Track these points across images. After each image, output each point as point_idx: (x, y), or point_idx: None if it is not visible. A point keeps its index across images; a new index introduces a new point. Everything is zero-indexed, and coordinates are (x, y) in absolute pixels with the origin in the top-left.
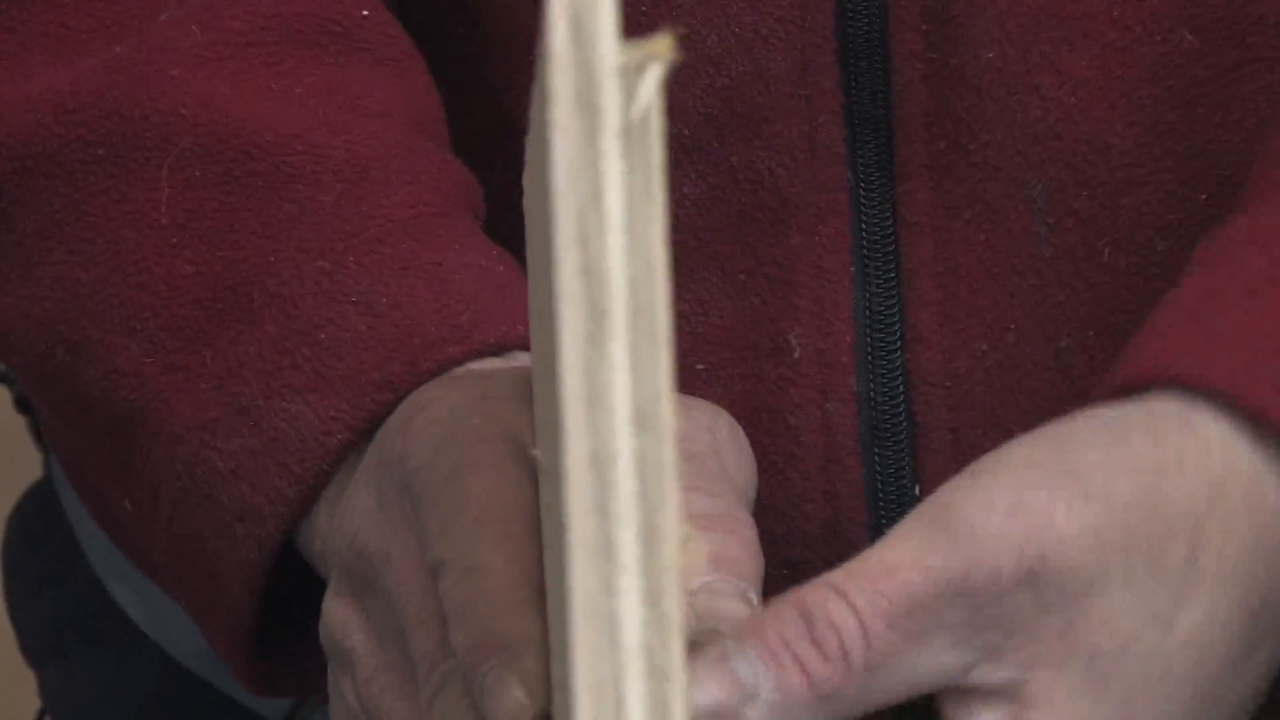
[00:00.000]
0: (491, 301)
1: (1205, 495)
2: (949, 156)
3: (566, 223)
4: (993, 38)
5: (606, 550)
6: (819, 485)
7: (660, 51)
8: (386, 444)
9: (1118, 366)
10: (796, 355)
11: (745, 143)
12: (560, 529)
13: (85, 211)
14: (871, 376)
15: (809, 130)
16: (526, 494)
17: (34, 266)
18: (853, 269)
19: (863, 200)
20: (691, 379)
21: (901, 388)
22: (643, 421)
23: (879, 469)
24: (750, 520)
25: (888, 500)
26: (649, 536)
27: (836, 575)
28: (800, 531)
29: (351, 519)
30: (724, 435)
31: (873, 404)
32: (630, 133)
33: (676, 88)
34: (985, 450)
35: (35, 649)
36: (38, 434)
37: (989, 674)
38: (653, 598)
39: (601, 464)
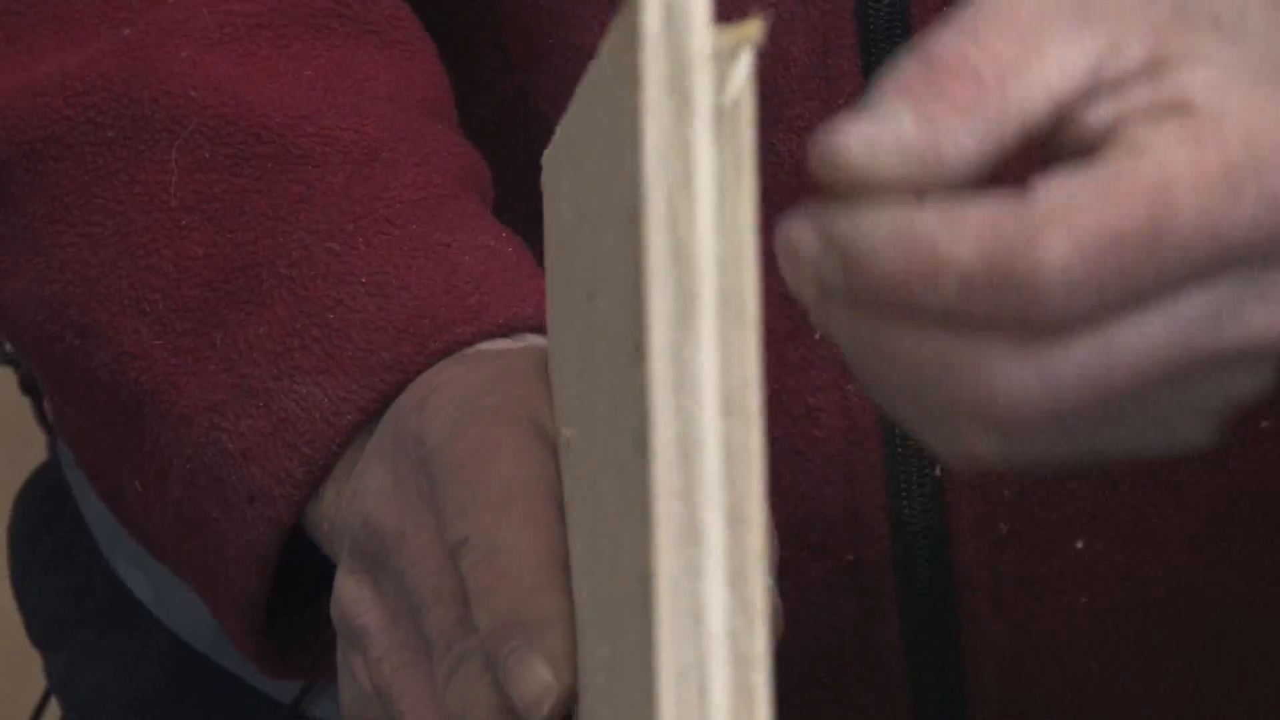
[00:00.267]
0: (501, 282)
1: None
2: None
3: (656, 205)
4: None
5: (692, 535)
6: (839, 469)
7: (751, 36)
8: (401, 423)
9: None
10: (817, 336)
11: (765, 125)
12: (646, 513)
13: (94, 194)
14: None
15: (829, 112)
16: (549, 473)
17: (43, 249)
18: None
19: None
20: None
21: None
22: (730, 406)
23: (899, 451)
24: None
25: (908, 483)
26: (735, 521)
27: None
28: (819, 515)
29: (365, 497)
30: None
31: None
32: (721, 117)
33: None
34: None
35: (42, 632)
36: (42, 416)
37: (1119, 63)
38: (738, 583)
39: (688, 448)
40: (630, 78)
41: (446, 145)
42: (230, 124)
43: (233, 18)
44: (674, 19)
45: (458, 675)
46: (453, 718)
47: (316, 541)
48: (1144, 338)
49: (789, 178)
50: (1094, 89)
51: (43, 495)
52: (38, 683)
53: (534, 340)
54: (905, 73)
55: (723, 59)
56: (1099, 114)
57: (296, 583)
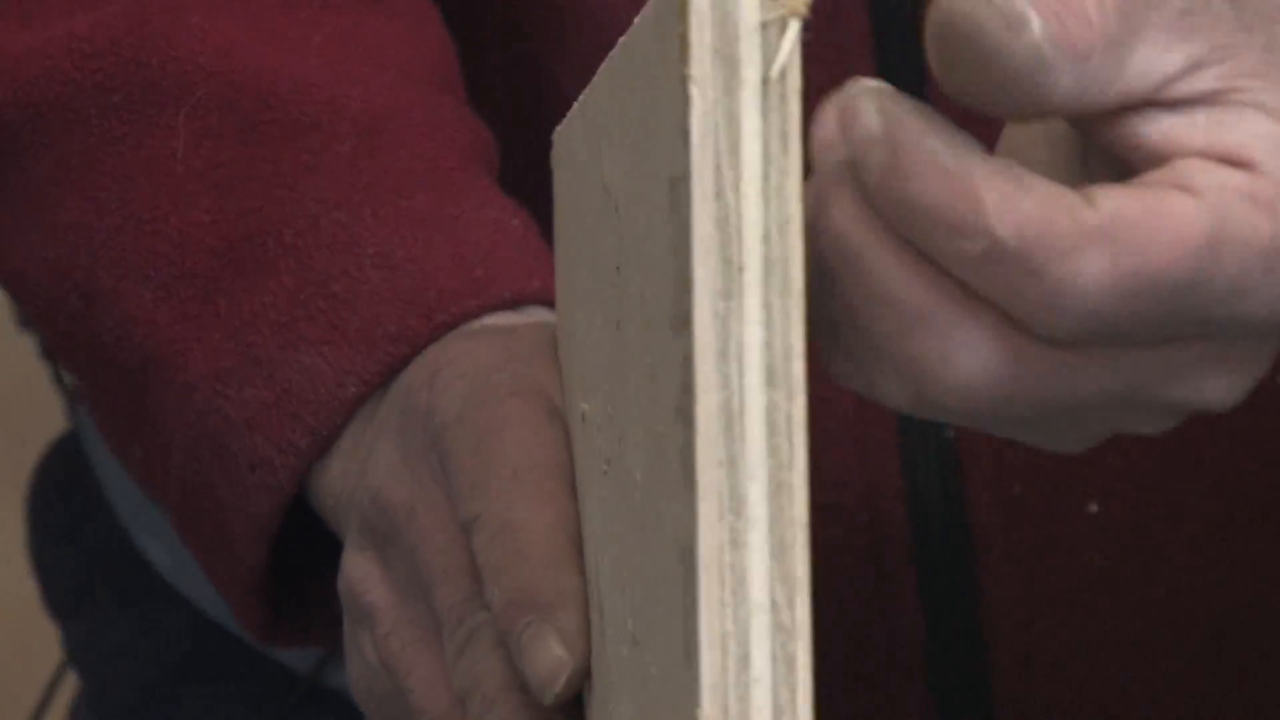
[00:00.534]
0: (508, 256)
1: None
2: None
3: (703, 175)
4: None
5: (735, 504)
6: (852, 430)
7: (798, 8)
8: (411, 399)
9: None
10: None
11: None
12: (688, 483)
13: (101, 158)
14: None
15: (839, 77)
16: (561, 449)
17: (48, 211)
18: None
19: None
20: None
21: None
22: (774, 376)
23: None
24: None
25: (923, 444)
26: (778, 492)
27: None
28: (833, 476)
29: (374, 474)
30: None
31: None
32: (768, 87)
33: None
34: None
35: (59, 601)
36: (60, 381)
37: (1192, 83)
38: (780, 553)
39: (732, 417)
40: (677, 47)
41: (455, 117)
42: (238, 91)
43: None
44: None
45: (468, 651)
46: (462, 693)
47: (321, 515)
48: (1114, 375)
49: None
50: (1159, 98)
51: (62, 465)
52: (53, 653)
53: (540, 314)
54: None
55: (770, 30)
56: (1158, 129)
57: (299, 554)
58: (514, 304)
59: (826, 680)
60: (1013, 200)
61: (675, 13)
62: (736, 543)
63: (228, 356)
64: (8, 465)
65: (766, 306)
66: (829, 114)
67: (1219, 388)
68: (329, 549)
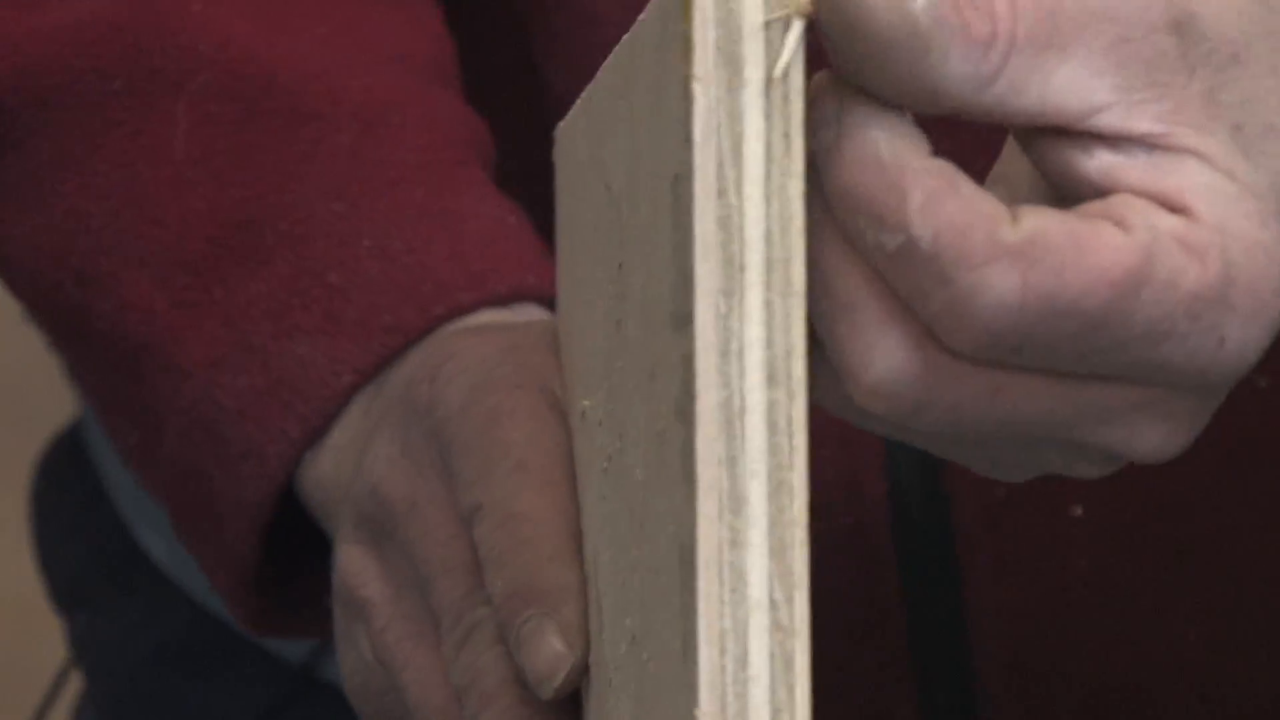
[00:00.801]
0: (505, 250)
1: None
2: None
3: (705, 174)
4: None
5: (735, 503)
6: (836, 431)
7: (803, 7)
8: (412, 392)
9: None
10: None
11: None
12: (688, 480)
13: (100, 144)
14: None
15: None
16: (563, 442)
17: (46, 196)
18: None
19: None
20: None
21: None
22: (775, 375)
23: None
24: None
25: (906, 445)
26: (778, 491)
27: None
28: (817, 478)
29: (373, 468)
30: None
31: None
32: (771, 87)
33: None
34: None
35: (63, 594)
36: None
37: (1126, 120)
38: (780, 552)
39: (732, 416)
40: (680, 46)
41: (454, 111)
42: (238, 79)
43: None
44: None
45: (467, 646)
46: (460, 689)
47: (310, 508)
48: (1032, 403)
49: None
50: (1092, 128)
51: (65, 457)
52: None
53: (535, 311)
54: None
55: (774, 29)
56: (1097, 163)
57: (292, 546)
58: (510, 299)
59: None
60: (937, 201)
61: (678, 11)
62: (736, 541)
63: (223, 344)
64: (11, 461)
65: (768, 306)
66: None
67: (1152, 438)
68: (322, 541)
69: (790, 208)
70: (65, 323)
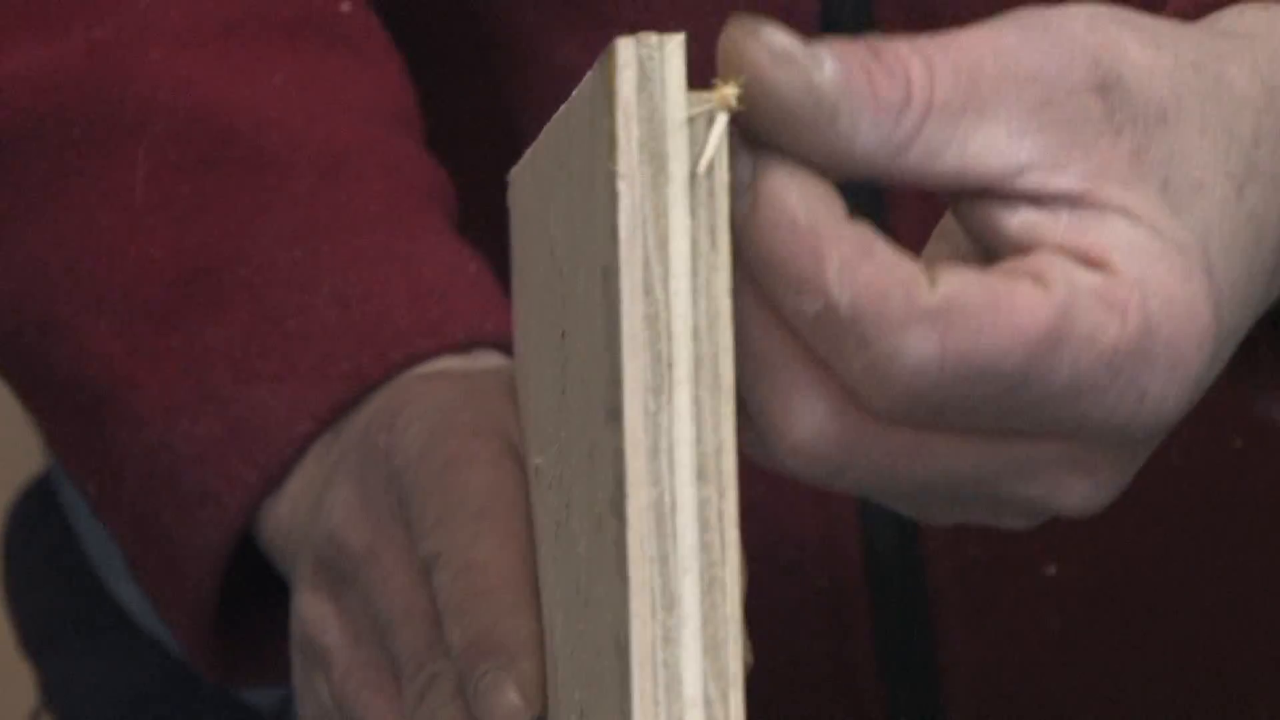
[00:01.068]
0: (463, 297)
1: (1263, 91)
2: None
3: (632, 270)
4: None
5: (668, 601)
6: (812, 491)
7: (728, 101)
8: (370, 439)
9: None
10: None
11: None
12: (621, 577)
13: (60, 191)
14: None
15: None
16: (521, 491)
17: (6, 243)
18: None
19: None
20: None
21: None
22: (705, 472)
23: None
24: None
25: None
26: (710, 588)
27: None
28: (793, 537)
29: (331, 515)
30: None
31: None
32: (696, 182)
33: None
34: None
35: (34, 641)
36: None
37: (1049, 179)
38: (713, 650)
39: (663, 514)
40: (605, 141)
41: (414, 158)
42: (198, 126)
43: (205, 20)
44: (649, 82)
45: (428, 697)
46: None
47: (269, 555)
48: (955, 461)
49: None
50: (1014, 188)
51: (35, 504)
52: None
53: (495, 357)
54: (849, 44)
55: (698, 124)
56: (1019, 220)
57: (249, 589)
58: (468, 345)
59: None
60: (854, 265)
61: (603, 106)
62: (669, 639)
63: (181, 391)
64: None
65: (697, 403)
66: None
67: (1077, 492)
68: (282, 587)
69: (717, 303)
70: (26, 369)
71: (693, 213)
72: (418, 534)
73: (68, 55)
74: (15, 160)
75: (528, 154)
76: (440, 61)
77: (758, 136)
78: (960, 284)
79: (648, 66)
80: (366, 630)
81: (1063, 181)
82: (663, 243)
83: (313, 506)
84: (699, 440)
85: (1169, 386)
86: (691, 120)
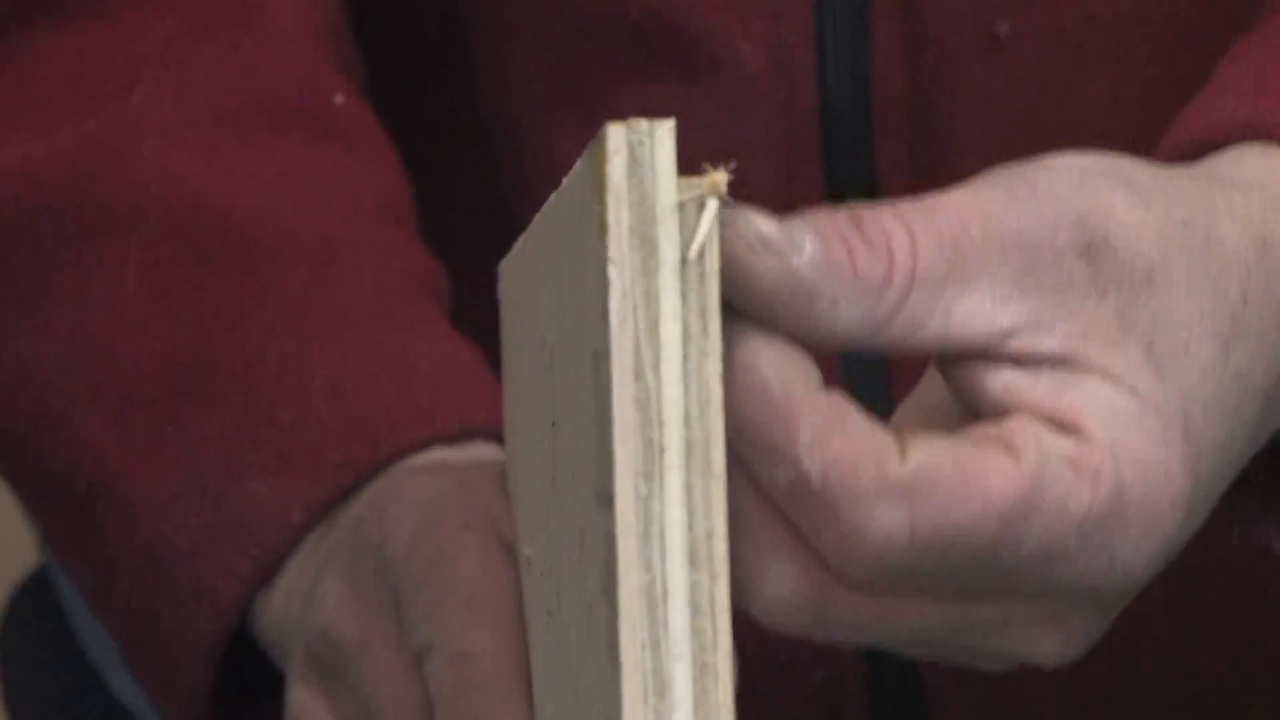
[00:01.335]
0: (455, 387)
1: (1253, 245)
2: None
3: (622, 356)
4: (976, 146)
5: (659, 686)
6: None
7: (717, 187)
8: (360, 531)
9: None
10: None
11: None
12: (613, 661)
13: (53, 284)
14: None
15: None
16: (512, 581)
17: None
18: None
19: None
20: None
21: None
22: (697, 558)
23: None
24: None
25: None
26: (702, 674)
27: (888, 203)
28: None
29: (322, 607)
30: None
31: None
32: (687, 267)
33: None
34: None
35: None
36: None
37: (1033, 342)
38: None
39: (655, 600)
40: (596, 226)
41: (406, 249)
42: (191, 219)
43: (197, 113)
44: (639, 168)
45: None
46: None
47: (264, 645)
48: (926, 621)
49: None
50: (998, 351)
51: (33, 599)
52: None
53: (487, 447)
54: (830, 214)
55: (688, 209)
56: (1001, 382)
57: (242, 680)
58: (461, 436)
59: None
60: (825, 437)
61: (593, 191)
62: None
63: (174, 484)
64: None
65: (688, 488)
66: None
67: (1049, 646)
68: (277, 676)
69: (708, 388)
70: (19, 462)
71: (684, 297)
72: (409, 624)
73: (60, 148)
74: (8, 253)
75: (518, 244)
76: (440, 153)
77: (738, 305)
78: (931, 455)
79: (638, 152)
80: None
81: (1046, 344)
82: (654, 327)
83: (305, 598)
84: (690, 525)
85: (1140, 549)
86: (682, 205)
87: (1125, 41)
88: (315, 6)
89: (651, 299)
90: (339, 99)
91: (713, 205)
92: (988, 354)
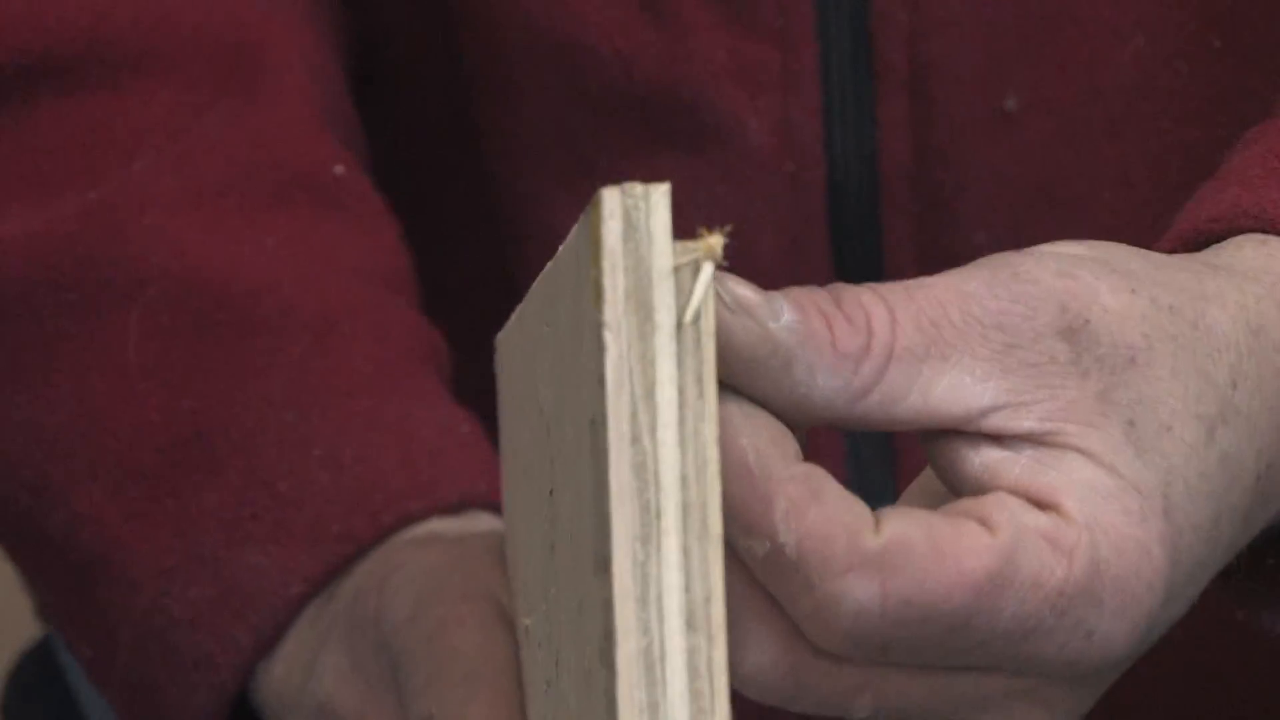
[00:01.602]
0: (454, 458)
1: (1245, 332)
2: None
3: (619, 420)
4: (983, 220)
5: None
6: None
7: (713, 251)
8: (359, 604)
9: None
10: None
11: None
12: None
13: (53, 354)
14: None
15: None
16: (511, 652)
17: (0, 407)
18: (846, 468)
19: None
20: None
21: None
22: (694, 621)
23: None
24: None
25: None
26: None
27: (868, 285)
28: None
29: (322, 680)
30: None
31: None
32: (683, 331)
33: None
34: None
35: None
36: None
37: (1012, 420)
38: None
39: (653, 663)
40: (592, 291)
41: (406, 320)
42: (191, 290)
43: (198, 184)
44: (635, 233)
45: None
46: None
47: (263, 714)
48: (904, 695)
49: None
50: (978, 429)
51: (36, 667)
52: None
53: (486, 518)
54: (810, 290)
55: (683, 273)
56: (980, 459)
57: None
58: (460, 506)
59: None
60: (801, 509)
61: (589, 256)
62: None
63: (174, 555)
64: None
65: (685, 551)
66: None
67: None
68: None
69: (704, 451)
70: (19, 532)
71: (679, 361)
72: (408, 697)
73: (61, 219)
74: (9, 324)
75: (514, 316)
76: (445, 224)
77: (725, 377)
78: (904, 528)
79: (633, 216)
80: None
81: (1026, 422)
82: (650, 392)
83: (305, 670)
84: (688, 588)
85: (1117, 626)
86: (677, 270)
87: (1132, 114)
88: (317, 81)
89: (647, 363)
90: (339, 170)
91: (708, 269)
92: (967, 431)
